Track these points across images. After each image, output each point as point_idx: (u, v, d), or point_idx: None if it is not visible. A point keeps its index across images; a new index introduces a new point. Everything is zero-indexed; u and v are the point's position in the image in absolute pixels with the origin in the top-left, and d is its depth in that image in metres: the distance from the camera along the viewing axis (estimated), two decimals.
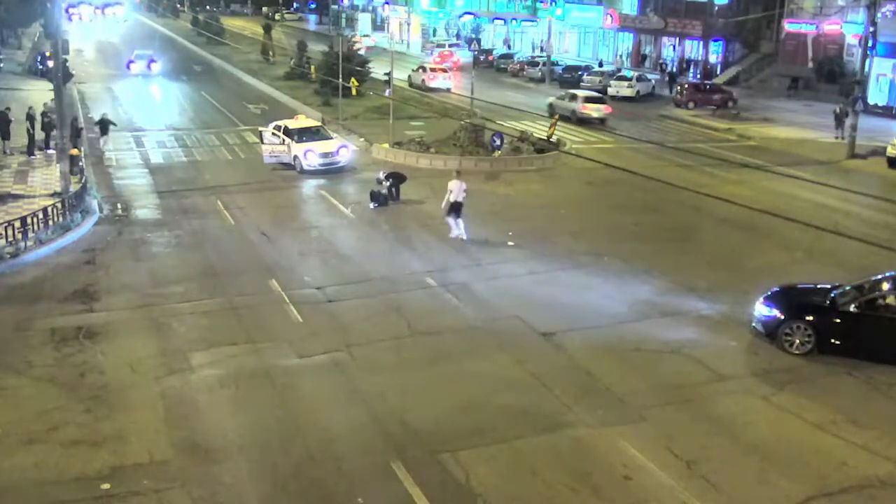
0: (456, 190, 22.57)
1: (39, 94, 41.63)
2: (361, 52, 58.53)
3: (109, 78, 57.19)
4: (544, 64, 60.52)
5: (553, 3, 66.91)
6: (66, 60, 40.37)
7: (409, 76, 55.29)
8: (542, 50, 66.20)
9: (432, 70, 54.85)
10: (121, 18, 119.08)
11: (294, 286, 18.94)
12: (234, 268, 20.21)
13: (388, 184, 26.30)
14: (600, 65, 62.45)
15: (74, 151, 27.64)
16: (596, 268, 20.49)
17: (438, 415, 13.38)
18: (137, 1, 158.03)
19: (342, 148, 31.03)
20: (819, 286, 17.01)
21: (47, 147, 31.11)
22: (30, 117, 31.19)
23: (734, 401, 14.03)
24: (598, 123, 41.15)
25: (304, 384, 14.42)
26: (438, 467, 11.91)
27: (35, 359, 15.12)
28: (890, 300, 15.50)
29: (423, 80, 53.71)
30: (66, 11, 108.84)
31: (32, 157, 30.62)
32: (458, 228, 22.58)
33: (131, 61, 59.09)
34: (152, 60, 58.86)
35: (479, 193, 28.02)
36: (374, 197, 25.85)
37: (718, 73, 59.64)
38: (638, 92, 51.06)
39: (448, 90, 53.07)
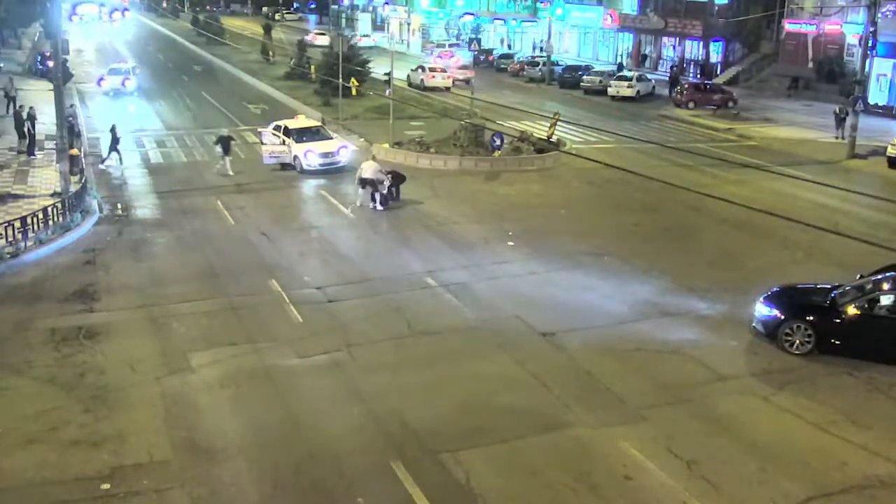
0: (367, 170, 25.63)
1: (40, 94, 41.62)
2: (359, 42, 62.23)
3: None
4: (544, 64, 60.53)
5: (553, 3, 66.87)
6: (66, 60, 40.40)
7: (409, 76, 55.86)
8: (541, 50, 66.16)
9: (431, 70, 55.60)
10: (129, 22, 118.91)
11: (294, 286, 18.94)
12: (234, 268, 20.21)
13: (388, 182, 26.29)
14: (620, 68, 59.81)
15: (74, 151, 27.63)
16: (596, 268, 20.49)
17: (438, 415, 13.39)
18: (138, 0, 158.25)
19: (342, 148, 31.03)
20: (819, 286, 17.01)
21: None
22: (31, 117, 31.21)
23: (734, 401, 14.03)
24: (443, 90, 52.78)
25: (304, 384, 14.43)
26: (438, 467, 11.91)
27: (35, 359, 15.13)
28: (890, 300, 15.50)
29: (421, 80, 54.41)
30: (73, 10, 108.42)
31: (32, 156, 30.62)
32: (361, 197, 25.85)
33: (101, 78, 49.42)
34: (127, 77, 49.21)
35: (479, 193, 28.09)
36: (373, 197, 25.82)
37: (718, 72, 59.62)
38: (638, 92, 51.01)
39: (447, 89, 53.59)
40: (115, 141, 31.38)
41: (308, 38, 75.38)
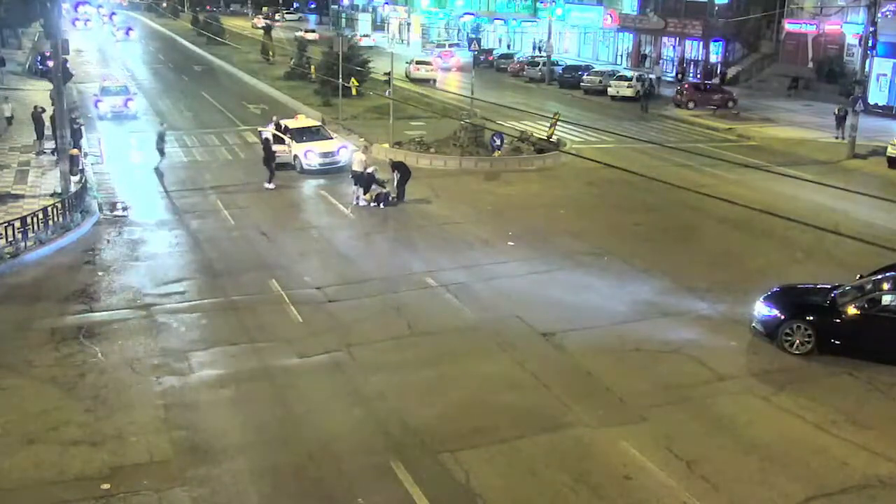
0: (356, 162, 26.51)
1: (39, 94, 41.62)
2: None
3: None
4: (544, 64, 60.60)
5: (553, 3, 66.89)
6: (66, 60, 40.38)
7: (405, 70, 59.62)
8: (541, 50, 66.25)
9: (417, 63, 60.33)
10: (128, 23, 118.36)
11: (294, 286, 18.94)
12: (234, 268, 20.21)
13: (395, 175, 26.22)
14: (681, 76, 58.00)
15: (74, 151, 27.61)
16: (596, 268, 20.48)
17: (438, 415, 13.39)
18: (137, 0, 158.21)
19: (342, 148, 31.02)
20: (819, 286, 17.01)
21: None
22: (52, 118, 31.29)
23: (734, 401, 14.03)
24: (430, 83, 57.15)
25: (304, 384, 14.42)
26: (438, 467, 11.91)
27: (35, 359, 15.13)
28: (890, 300, 15.50)
29: (409, 72, 59.15)
30: (75, 8, 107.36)
31: (42, 156, 30.61)
32: (355, 196, 25.97)
33: (98, 100, 42.21)
34: (130, 98, 42.96)
35: (479, 193, 28.08)
36: (376, 197, 25.84)
37: (719, 72, 59.59)
38: (638, 92, 51.05)
39: (433, 82, 57.67)
40: (270, 155, 28.37)
41: (254, 21, 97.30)
